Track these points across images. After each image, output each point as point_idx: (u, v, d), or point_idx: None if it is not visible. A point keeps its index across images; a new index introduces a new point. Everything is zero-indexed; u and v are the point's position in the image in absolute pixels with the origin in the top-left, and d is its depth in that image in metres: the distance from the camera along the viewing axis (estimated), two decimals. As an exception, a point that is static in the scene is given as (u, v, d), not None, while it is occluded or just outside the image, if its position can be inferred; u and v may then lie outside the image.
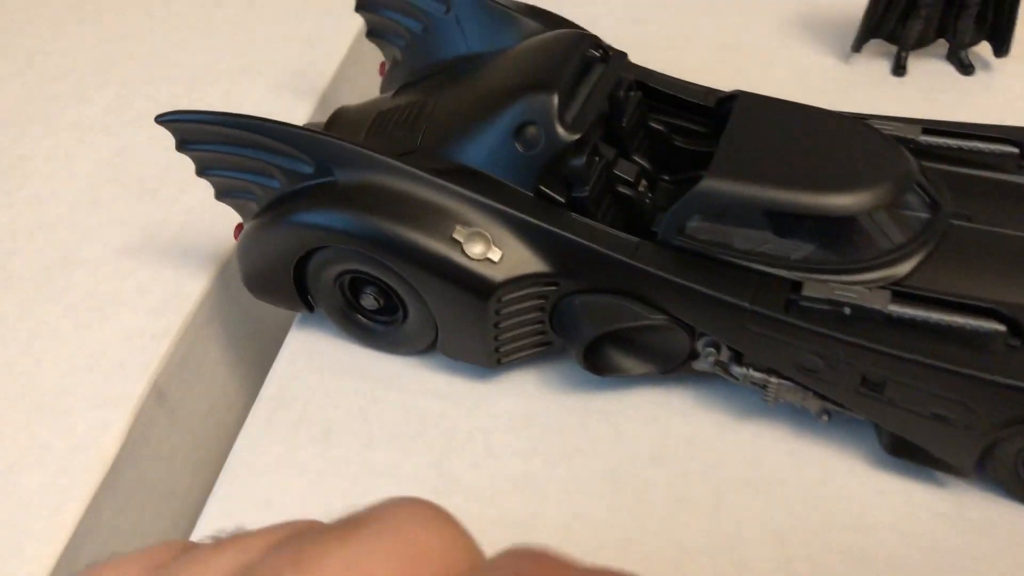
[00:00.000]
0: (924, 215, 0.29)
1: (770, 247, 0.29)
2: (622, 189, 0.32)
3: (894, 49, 0.45)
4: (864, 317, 0.28)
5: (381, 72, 0.41)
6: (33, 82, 0.47)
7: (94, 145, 0.43)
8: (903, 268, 0.28)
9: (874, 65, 0.46)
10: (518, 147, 0.31)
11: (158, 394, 0.34)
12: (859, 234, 0.28)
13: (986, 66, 0.45)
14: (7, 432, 0.32)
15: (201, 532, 0.29)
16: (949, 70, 0.45)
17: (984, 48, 0.45)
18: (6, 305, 0.36)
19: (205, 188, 0.39)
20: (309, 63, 0.47)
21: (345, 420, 0.32)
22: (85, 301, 0.36)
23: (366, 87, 0.43)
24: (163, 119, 0.32)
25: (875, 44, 0.46)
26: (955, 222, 0.29)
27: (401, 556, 0.16)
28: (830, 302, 0.28)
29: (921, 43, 0.45)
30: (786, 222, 0.28)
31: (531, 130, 0.31)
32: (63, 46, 0.49)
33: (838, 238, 0.28)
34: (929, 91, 0.44)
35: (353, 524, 0.16)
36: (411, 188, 0.30)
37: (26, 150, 0.43)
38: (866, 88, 0.44)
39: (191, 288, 0.37)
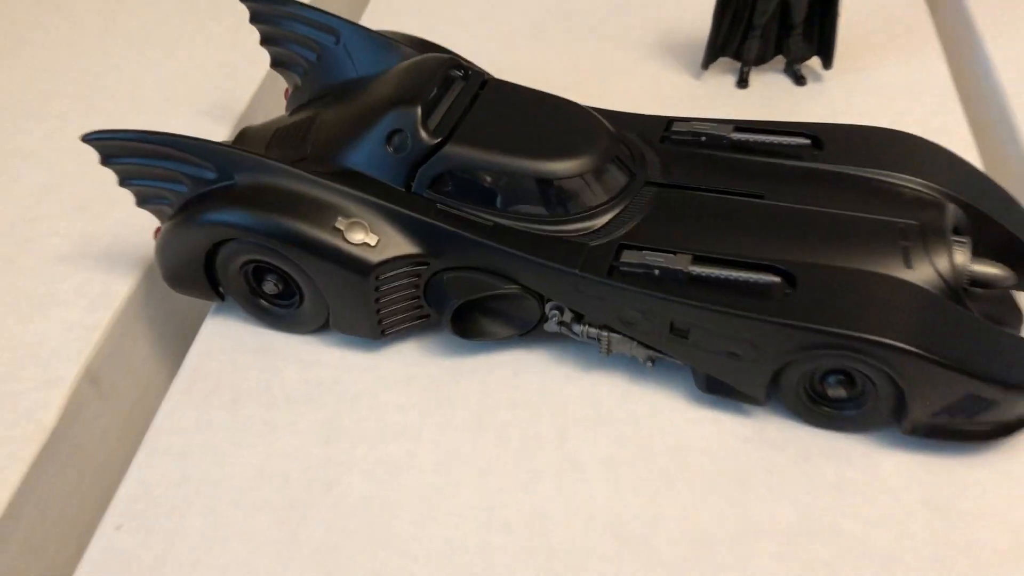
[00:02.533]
0: (623, 180, 0.37)
1: (508, 201, 0.36)
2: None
3: (738, 65, 0.52)
4: (670, 277, 0.34)
5: (286, 96, 0.47)
6: (-24, 117, 0.52)
7: (32, 169, 0.48)
8: (602, 220, 0.36)
9: (721, 80, 0.53)
10: (389, 150, 0.37)
11: (91, 378, 0.39)
12: (566, 193, 0.35)
13: (817, 77, 0.52)
14: (-43, 410, 0.37)
15: (131, 480, 0.35)
16: (786, 82, 0.52)
17: (815, 62, 0.52)
18: (-45, 307, 0.41)
19: (131, 204, 0.44)
20: (227, 92, 0.53)
21: (251, 390, 0.38)
22: (26, 300, 0.41)
23: (277, 111, 0.49)
24: (89, 138, 0.37)
25: (722, 62, 0.53)
26: (658, 187, 0.37)
27: None
28: (643, 266, 0.34)
29: (761, 60, 0.52)
30: (512, 183, 0.35)
31: (399, 136, 0.37)
32: (4, 84, 0.55)
33: (552, 196, 0.35)
34: (769, 100, 0.51)
35: None
36: (298, 187, 0.36)
37: (-29, 176, 0.48)
38: (715, 99, 0.51)
39: (120, 287, 0.42)
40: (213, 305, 0.41)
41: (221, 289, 0.40)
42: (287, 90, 0.47)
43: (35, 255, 0.44)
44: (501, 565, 0.31)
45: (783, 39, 0.51)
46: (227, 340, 0.40)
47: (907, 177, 0.37)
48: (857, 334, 0.32)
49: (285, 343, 0.39)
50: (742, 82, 0.52)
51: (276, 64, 0.46)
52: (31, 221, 0.45)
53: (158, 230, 0.40)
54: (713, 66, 0.53)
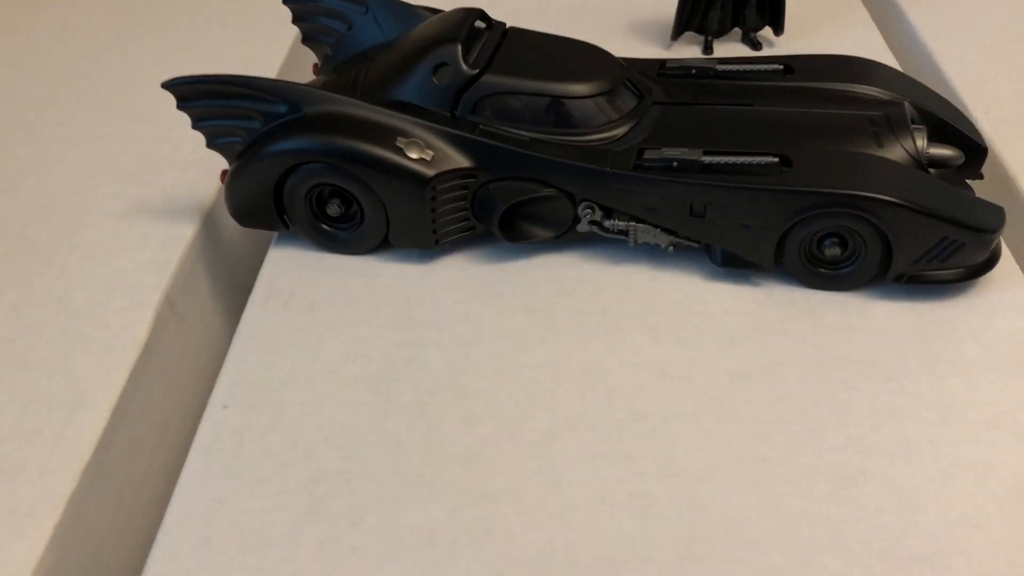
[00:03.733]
0: (634, 100, 0.44)
1: (540, 119, 0.42)
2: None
3: (702, 38, 0.60)
4: (686, 167, 0.40)
5: (314, 72, 0.52)
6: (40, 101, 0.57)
7: (79, 148, 0.53)
8: (620, 131, 0.43)
9: (688, 50, 0.60)
10: (435, 82, 0.43)
11: (170, 304, 0.44)
12: (589, 109, 0.42)
13: (770, 44, 0.60)
14: (50, 333, 0.41)
15: (229, 369, 0.39)
16: (744, 49, 0.60)
17: (767, 31, 0.60)
18: (31, 258, 0.45)
19: (179, 169, 0.49)
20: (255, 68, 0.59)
21: (323, 298, 0.43)
22: (100, 247, 0.45)
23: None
24: (169, 83, 0.42)
25: (687, 36, 0.60)
26: (663, 105, 0.44)
27: None
28: (663, 160, 0.41)
29: (721, 31, 0.60)
30: (543, 103, 0.42)
31: (444, 69, 0.43)
32: (48, 72, 0.59)
33: (578, 112, 0.42)
34: (731, 64, 0.59)
35: None
36: (362, 113, 0.42)
37: (30, 150, 0.53)
38: (685, 65, 0.59)
39: (184, 231, 0.46)
40: (274, 236, 0.46)
41: (285, 218, 0.45)
42: (315, 64, 0.52)
43: (99, 214, 0.48)
44: (568, 404, 0.37)
45: (739, 11, 0.59)
46: (293, 262, 0.45)
47: (868, 87, 0.45)
48: (850, 191, 0.38)
49: (345, 262, 0.44)
50: (707, 49, 0.60)
51: (307, 39, 0.52)
52: (88, 190, 0.50)
53: (224, 173, 0.45)
54: (679, 40, 0.60)
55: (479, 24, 0.46)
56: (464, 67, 0.43)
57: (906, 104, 0.43)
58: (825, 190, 0.39)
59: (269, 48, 0.62)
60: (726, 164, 0.40)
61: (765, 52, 0.59)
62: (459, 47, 0.43)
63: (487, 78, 0.42)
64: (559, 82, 0.42)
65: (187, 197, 0.49)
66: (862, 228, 0.39)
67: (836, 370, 0.38)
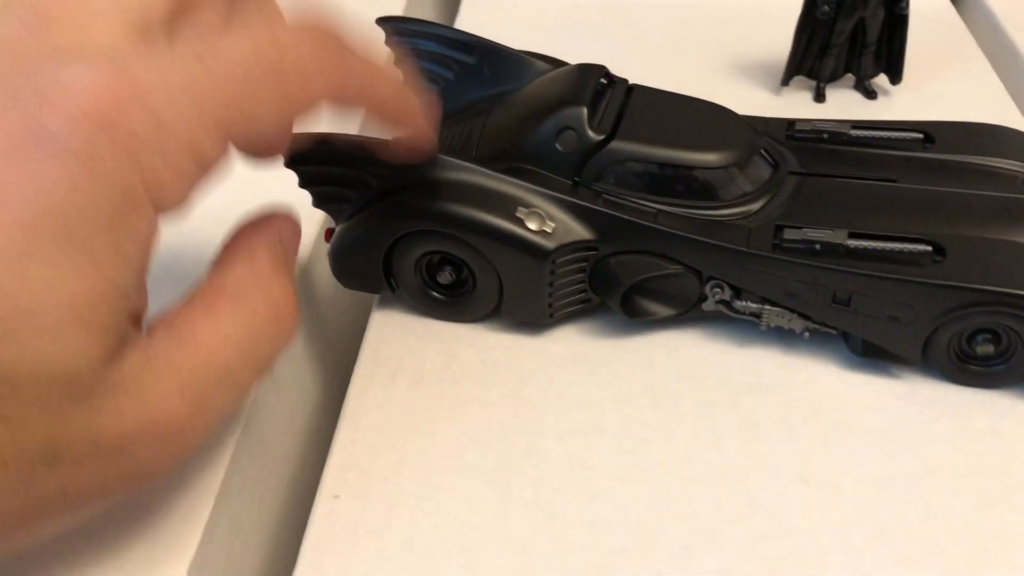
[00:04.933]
0: (768, 172, 0.41)
1: (671, 190, 0.40)
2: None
3: (814, 83, 0.57)
4: (830, 250, 0.38)
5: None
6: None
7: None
8: (755, 206, 0.40)
9: (799, 96, 0.57)
10: (559, 147, 0.40)
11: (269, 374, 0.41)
12: (721, 181, 0.39)
13: (885, 92, 0.57)
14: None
15: (337, 454, 0.37)
16: (858, 97, 0.57)
17: (883, 78, 0.57)
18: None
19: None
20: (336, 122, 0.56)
21: (432, 370, 0.40)
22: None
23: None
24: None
25: (798, 80, 0.57)
26: (799, 176, 0.42)
27: None
28: (805, 241, 0.38)
29: (833, 77, 0.57)
30: (672, 172, 0.39)
31: (568, 134, 0.40)
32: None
33: (710, 184, 0.39)
34: (844, 113, 0.56)
35: None
36: (480, 180, 0.39)
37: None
38: (795, 113, 0.56)
39: (282, 287, 0.44)
40: (376, 299, 0.44)
41: (392, 281, 0.42)
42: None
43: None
44: (703, 513, 0.34)
45: (854, 57, 0.56)
46: (397, 329, 0.42)
47: (1014, 162, 0.42)
48: (1011, 290, 0.35)
49: (452, 331, 0.42)
50: (820, 97, 0.57)
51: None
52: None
53: (329, 232, 0.42)
54: (791, 83, 0.57)
55: (602, 81, 0.43)
56: (591, 133, 0.40)
57: (1060, 185, 0.40)
58: (984, 287, 0.36)
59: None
60: (874, 250, 0.37)
61: (882, 104, 0.56)
62: (585, 111, 0.40)
63: (614, 145, 0.40)
64: (691, 150, 0.40)
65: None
66: (1021, 327, 0.36)
67: (993, 483, 0.35)
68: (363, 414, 0.39)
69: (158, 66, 0.25)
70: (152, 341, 0.27)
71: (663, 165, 0.39)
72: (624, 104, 0.42)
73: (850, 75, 0.57)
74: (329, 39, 0.31)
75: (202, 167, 0.26)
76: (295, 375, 0.44)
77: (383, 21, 0.48)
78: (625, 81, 0.44)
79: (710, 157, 0.40)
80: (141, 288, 0.29)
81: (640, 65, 0.60)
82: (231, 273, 0.31)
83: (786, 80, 0.57)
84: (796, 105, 0.56)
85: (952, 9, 0.66)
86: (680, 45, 0.62)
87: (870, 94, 0.57)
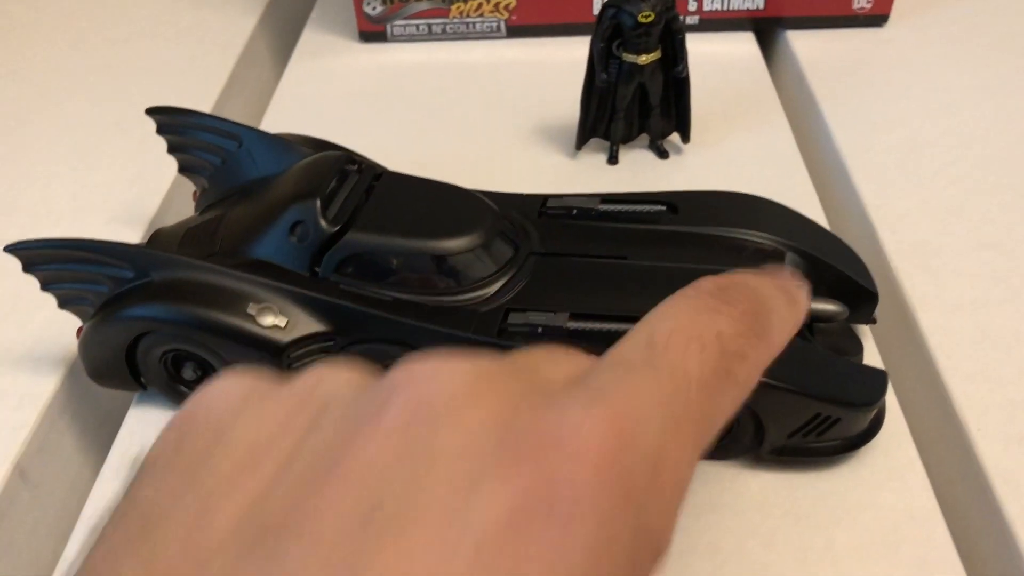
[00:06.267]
0: (509, 252, 0.41)
1: (406, 278, 0.40)
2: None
3: (608, 144, 0.58)
4: (551, 333, 0.38)
5: (195, 199, 0.50)
6: None
7: (-50, 283, 0.51)
8: (492, 289, 0.40)
9: (594, 158, 0.58)
10: (293, 240, 0.41)
11: (20, 472, 0.41)
12: (458, 267, 0.40)
13: (678, 150, 0.58)
14: None
15: (66, 563, 0.37)
16: (651, 156, 0.58)
17: (675, 137, 0.58)
18: None
19: (52, 307, 0.47)
20: (137, 197, 0.57)
21: (178, 469, 0.40)
22: (-48, 407, 0.43)
23: (187, 212, 0.52)
24: (11, 248, 0.40)
25: (594, 142, 0.58)
26: (537, 255, 0.42)
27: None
28: (528, 325, 0.39)
29: (627, 138, 0.58)
30: (409, 261, 0.40)
31: (302, 227, 0.41)
32: (-84, 205, 0.57)
33: (445, 270, 0.40)
34: (637, 173, 0.57)
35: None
36: (210, 278, 0.40)
37: None
38: (589, 175, 0.57)
39: (45, 385, 0.44)
40: (135, 396, 0.44)
41: (143, 379, 0.42)
42: (195, 192, 0.50)
43: (-42, 363, 0.46)
44: None
45: (644, 119, 0.58)
46: (152, 426, 0.42)
47: (752, 232, 0.43)
48: (713, 370, 0.36)
49: (206, 425, 0.42)
50: (612, 159, 0.58)
51: (183, 169, 0.50)
52: (-48, 331, 0.48)
53: (80, 329, 0.42)
54: (586, 146, 0.58)
55: (349, 167, 0.44)
56: (324, 225, 0.40)
57: (788, 255, 0.41)
58: (690, 367, 0.37)
59: (159, 165, 0.60)
60: (593, 331, 0.38)
61: (673, 163, 0.58)
62: (318, 203, 0.41)
63: (349, 237, 0.40)
64: (427, 238, 0.40)
65: (56, 342, 0.47)
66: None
67: (701, 561, 0.36)
68: (99, 519, 0.39)
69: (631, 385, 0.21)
70: None
71: (397, 254, 0.40)
72: (368, 192, 0.43)
73: (646, 135, 0.59)
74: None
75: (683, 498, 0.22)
76: (54, 476, 0.44)
77: (153, 112, 0.48)
78: (374, 168, 0.45)
79: (445, 244, 0.40)
80: None
81: (449, 133, 0.61)
82: None
83: (579, 144, 0.58)
84: (590, 168, 0.57)
85: (760, 59, 0.68)
86: (483, 118, 0.63)
87: (662, 153, 0.58)
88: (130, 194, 0.57)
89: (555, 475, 0.19)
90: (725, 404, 0.24)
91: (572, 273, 0.41)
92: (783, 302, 0.28)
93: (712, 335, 0.24)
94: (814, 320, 0.41)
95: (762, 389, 0.36)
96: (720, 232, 0.43)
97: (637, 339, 0.24)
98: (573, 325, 0.38)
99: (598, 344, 0.38)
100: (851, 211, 0.55)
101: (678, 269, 0.41)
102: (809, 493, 0.38)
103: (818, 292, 0.41)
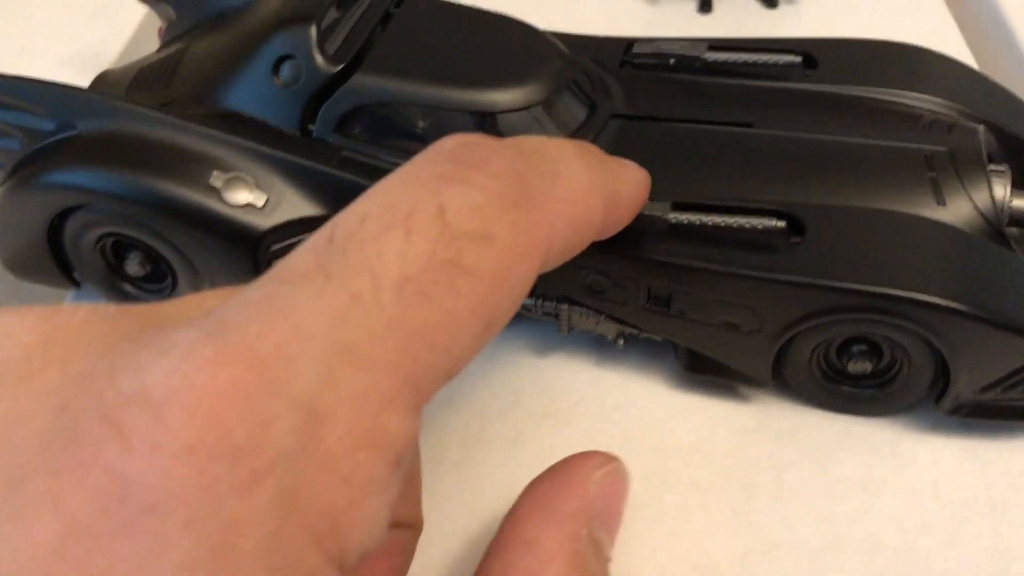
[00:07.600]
0: (582, 113, 0.29)
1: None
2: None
3: (700, -12, 0.45)
4: (646, 229, 0.26)
5: (159, 36, 0.38)
6: None
7: None
8: None
9: (680, 4, 0.45)
10: (278, 84, 0.29)
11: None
12: (512, 130, 0.27)
13: (790, 1, 0.45)
14: None
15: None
16: (754, 5, 0.45)
17: (788, -18, 0.45)
18: None
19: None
20: (97, 39, 0.44)
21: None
22: None
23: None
24: None
25: (682, -15, 0.45)
26: (622, 117, 0.30)
27: None
28: (610, 217, 0.27)
29: (726, -20, 0.45)
30: (441, 120, 0.27)
31: (290, 64, 0.29)
32: None
33: (495, 135, 0.27)
34: (736, 26, 0.44)
35: None
36: (160, 134, 0.28)
37: None
38: (674, 27, 0.44)
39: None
40: (69, 294, 0.33)
41: (75, 273, 0.31)
42: (160, 28, 0.38)
43: None
44: None
45: (750, -45, 0.44)
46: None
47: (924, 96, 0.30)
48: (886, 291, 0.25)
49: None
50: (705, 6, 0.45)
51: (143, -7, 0.37)
52: None
53: (-9, 200, 0.31)
54: (671, -9, 0.45)
55: (357, -11, 0.31)
56: (320, 62, 0.28)
57: (981, 130, 0.29)
58: (852, 286, 0.25)
59: (119, 8, 0.47)
60: (705, 227, 0.26)
61: (784, 15, 0.44)
62: (313, 31, 0.28)
63: (356, 80, 0.28)
64: (469, 87, 0.28)
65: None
66: (906, 339, 0.25)
67: (856, 563, 0.25)
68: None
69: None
70: None
71: (425, 109, 0.28)
72: (384, 20, 0.30)
73: (748, -22, 0.45)
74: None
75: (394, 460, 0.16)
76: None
77: None
78: (394, -11, 0.32)
79: (495, 96, 0.28)
80: None
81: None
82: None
83: (663, -16, 0.45)
84: (675, 16, 0.45)
85: None
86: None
87: (770, 2, 0.45)
88: (87, 36, 0.45)
89: (123, 470, 0.13)
90: (460, 312, 0.16)
91: (673, 144, 0.29)
92: (581, 165, 0.21)
93: (429, 213, 0.17)
94: (1011, 223, 0.28)
95: (951, 319, 0.24)
96: (881, 94, 0.31)
97: (319, 236, 0.17)
98: (675, 218, 0.26)
99: (714, 246, 0.26)
100: (1011, 67, 0.42)
101: (828, 143, 0.28)
102: (1005, 470, 0.26)
103: (1018, 183, 0.29)
